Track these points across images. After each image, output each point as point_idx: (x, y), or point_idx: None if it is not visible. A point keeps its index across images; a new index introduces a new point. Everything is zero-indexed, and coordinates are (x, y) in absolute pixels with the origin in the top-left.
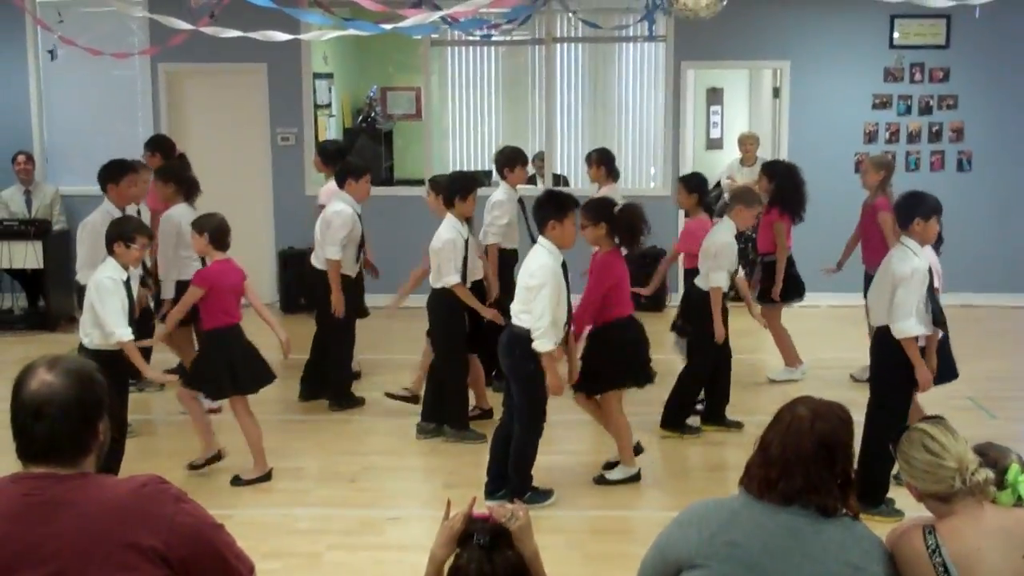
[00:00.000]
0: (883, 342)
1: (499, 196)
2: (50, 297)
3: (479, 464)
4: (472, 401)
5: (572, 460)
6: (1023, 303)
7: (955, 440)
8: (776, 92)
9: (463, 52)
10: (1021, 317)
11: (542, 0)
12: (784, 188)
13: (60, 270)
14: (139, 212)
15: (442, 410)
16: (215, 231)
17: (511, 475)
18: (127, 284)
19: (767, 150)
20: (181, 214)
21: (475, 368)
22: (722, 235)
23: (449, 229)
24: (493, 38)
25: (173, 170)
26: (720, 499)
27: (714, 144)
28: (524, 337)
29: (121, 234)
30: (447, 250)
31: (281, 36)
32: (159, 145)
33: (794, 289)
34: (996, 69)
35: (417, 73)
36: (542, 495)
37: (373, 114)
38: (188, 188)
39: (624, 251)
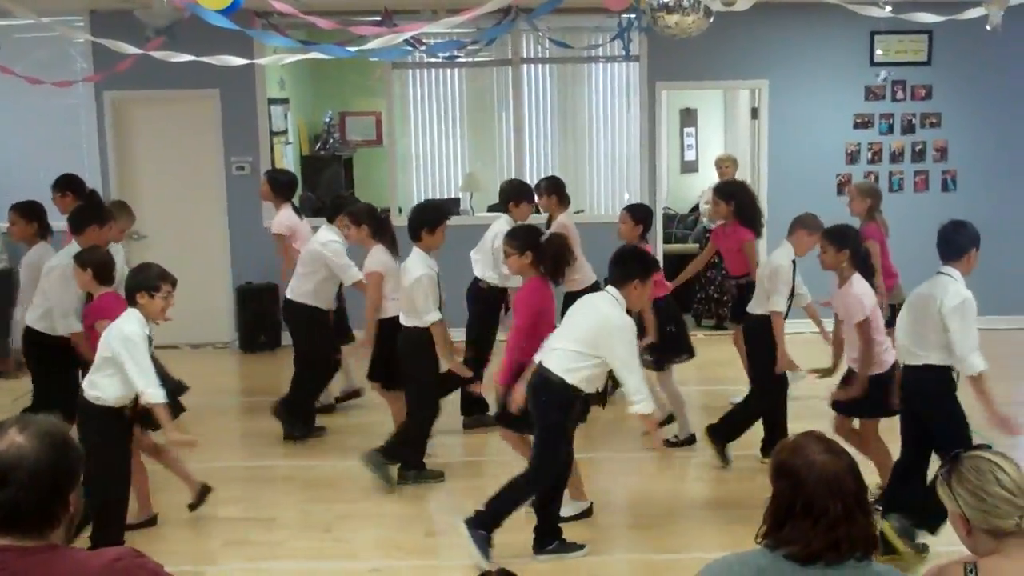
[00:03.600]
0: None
1: (503, 230)
2: None
3: (461, 509)
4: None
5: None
6: (1012, 325)
7: (1022, 475)
8: (755, 112)
9: (425, 74)
10: (1012, 340)
11: (510, 19)
12: (744, 206)
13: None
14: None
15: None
16: (100, 265)
17: (495, 508)
18: (150, 339)
19: (745, 172)
20: (41, 255)
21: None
22: (778, 258)
23: (419, 264)
24: (458, 59)
25: (36, 209)
26: (743, 556)
27: (689, 167)
28: (557, 385)
29: (144, 283)
30: (423, 286)
31: (237, 60)
32: (70, 184)
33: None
34: (979, 86)
35: (375, 97)
36: (570, 547)
37: (331, 140)
38: (46, 228)
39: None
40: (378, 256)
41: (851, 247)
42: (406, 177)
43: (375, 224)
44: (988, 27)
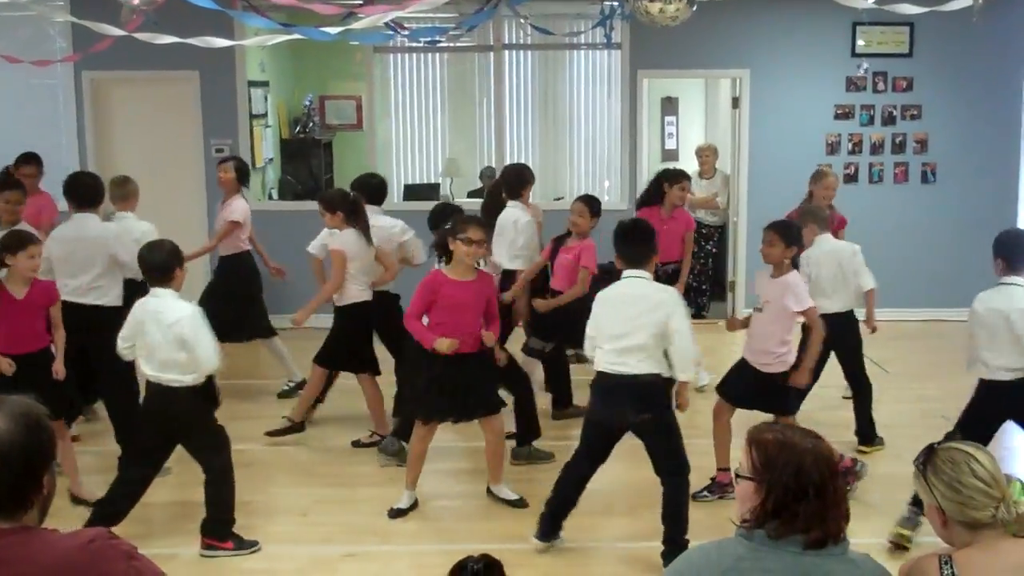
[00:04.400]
0: None
1: (522, 216)
2: None
3: (439, 494)
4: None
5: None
6: None
7: (997, 466)
8: (736, 102)
9: (406, 59)
10: None
11: (492, 5)
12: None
13: None
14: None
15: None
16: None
17: (671, 529)
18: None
19: (725, 161)
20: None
21: (375, 391)
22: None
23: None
24: (439, 44)
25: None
26: (720, 544)
27: (669, 155)
28: (651, 383)
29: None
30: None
31: (222, 42)
32: (31, 160)
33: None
34: (961, 78)
35: (356, 81)
36: None
37: (311, 124)
38: None
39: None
40: (346, 238)
41: (798, 245)
42: (386, 162)
43: (348, 209)
44: (974, 16)
